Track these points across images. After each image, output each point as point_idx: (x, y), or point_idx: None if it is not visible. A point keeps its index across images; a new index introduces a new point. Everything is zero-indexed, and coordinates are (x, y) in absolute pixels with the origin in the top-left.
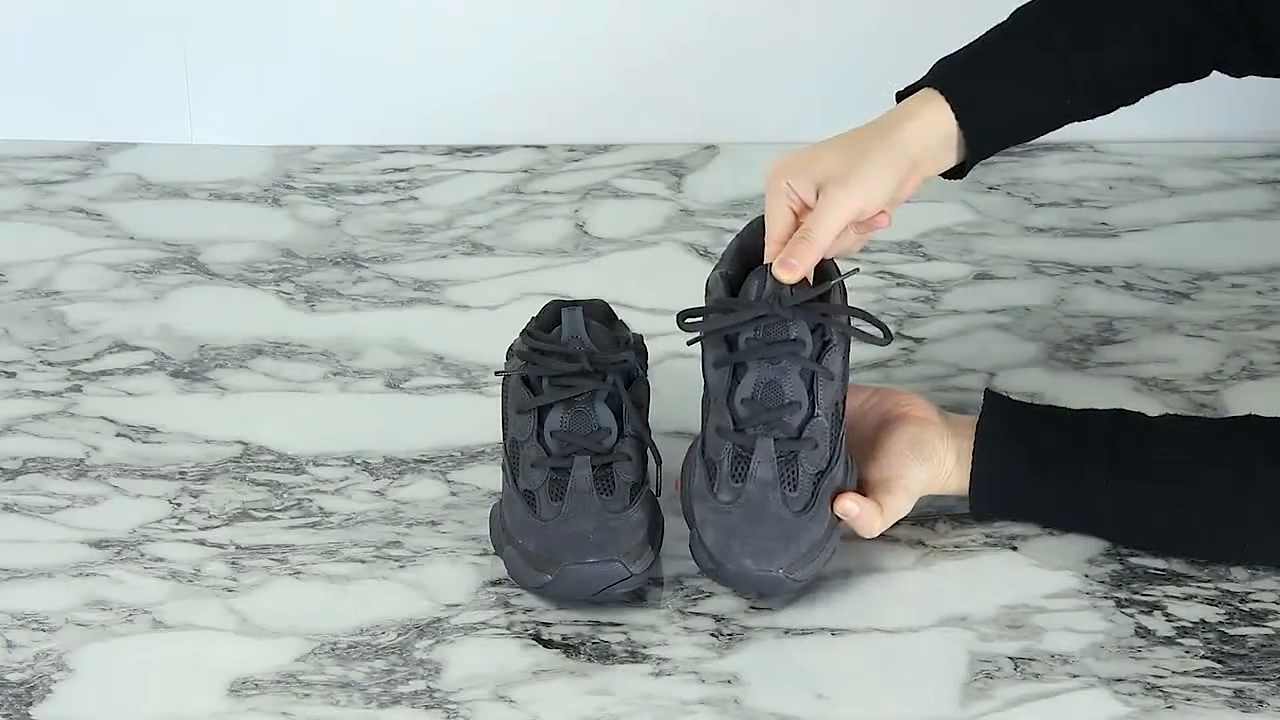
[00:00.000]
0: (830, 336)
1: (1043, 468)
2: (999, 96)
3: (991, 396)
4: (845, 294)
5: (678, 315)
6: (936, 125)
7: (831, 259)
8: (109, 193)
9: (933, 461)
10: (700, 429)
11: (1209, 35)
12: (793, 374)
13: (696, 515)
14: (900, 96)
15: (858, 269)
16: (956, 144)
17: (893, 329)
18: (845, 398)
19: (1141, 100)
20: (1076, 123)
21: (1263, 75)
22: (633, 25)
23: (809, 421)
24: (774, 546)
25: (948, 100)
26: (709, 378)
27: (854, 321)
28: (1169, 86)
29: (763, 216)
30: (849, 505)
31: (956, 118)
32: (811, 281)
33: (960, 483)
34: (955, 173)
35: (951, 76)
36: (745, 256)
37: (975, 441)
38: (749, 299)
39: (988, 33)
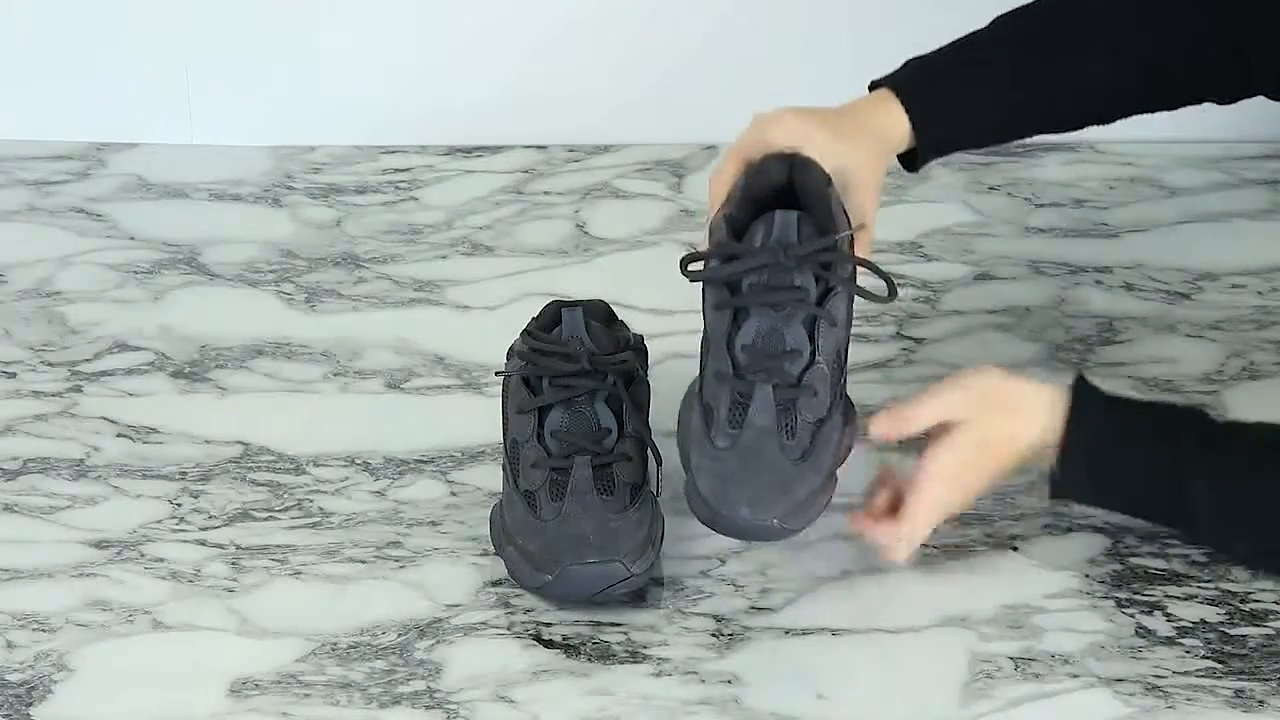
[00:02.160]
0: (835, 285)
1: (1134, 441)
2: (955, 107)
3: (1078, 378)
4: (853, 246)
5: (681, 260)
6: (892, 127)
7: (843, 210)
8: (109, 193)
9: (1022, 410)
10: (699, 371)
11: (1183, 68)
12: (795, 321)
13: (692, 460)
14: (873, 86)
15: (864, 225)
16: (909, 142)
17: (893, 329)
18: (847, 345)
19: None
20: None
21: (1252, 98)
22: (633, 25)
23: (809, 369)
24: (770, 494)
25: (904, 107)
26: (709, 320)
27: (859, 278)
28: (1142, 114)
29: (770, 156)
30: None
31: (911, 125)
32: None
33: (1047, 437)
34: (908, 164)
35: (913, 82)
36: (751, 199)
37: (1069, 409)
38: (754, 245)
39: (963, 37)
